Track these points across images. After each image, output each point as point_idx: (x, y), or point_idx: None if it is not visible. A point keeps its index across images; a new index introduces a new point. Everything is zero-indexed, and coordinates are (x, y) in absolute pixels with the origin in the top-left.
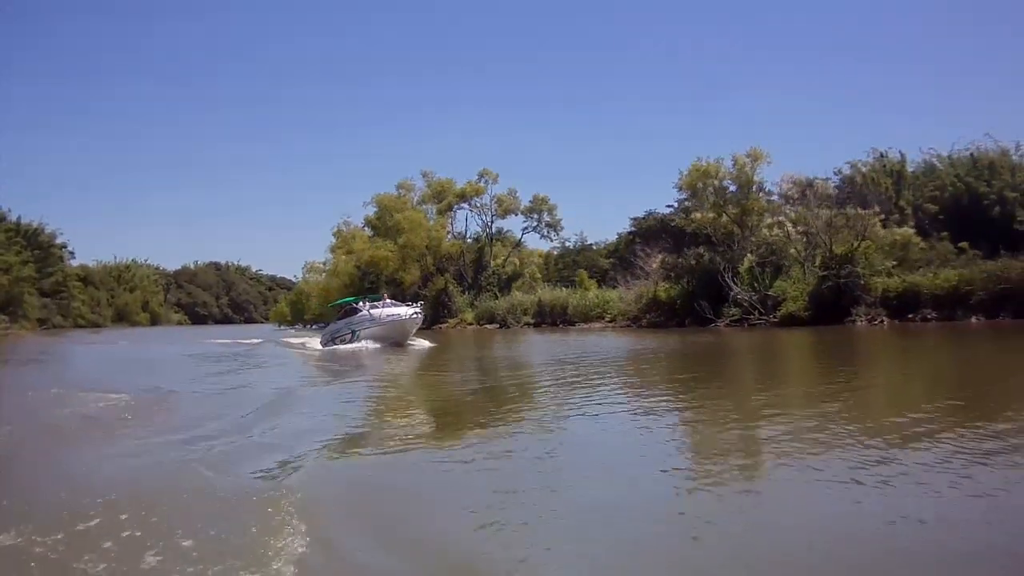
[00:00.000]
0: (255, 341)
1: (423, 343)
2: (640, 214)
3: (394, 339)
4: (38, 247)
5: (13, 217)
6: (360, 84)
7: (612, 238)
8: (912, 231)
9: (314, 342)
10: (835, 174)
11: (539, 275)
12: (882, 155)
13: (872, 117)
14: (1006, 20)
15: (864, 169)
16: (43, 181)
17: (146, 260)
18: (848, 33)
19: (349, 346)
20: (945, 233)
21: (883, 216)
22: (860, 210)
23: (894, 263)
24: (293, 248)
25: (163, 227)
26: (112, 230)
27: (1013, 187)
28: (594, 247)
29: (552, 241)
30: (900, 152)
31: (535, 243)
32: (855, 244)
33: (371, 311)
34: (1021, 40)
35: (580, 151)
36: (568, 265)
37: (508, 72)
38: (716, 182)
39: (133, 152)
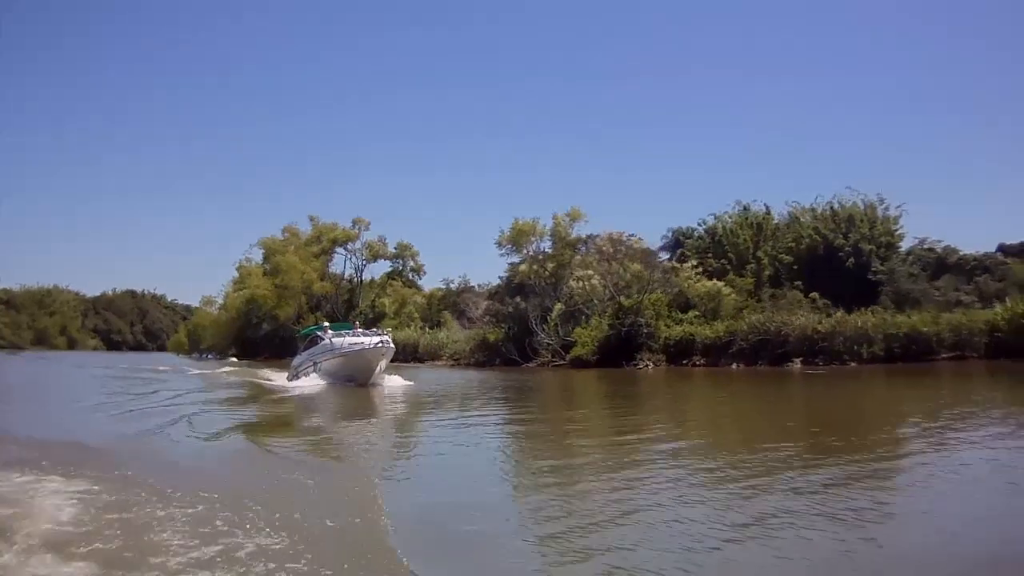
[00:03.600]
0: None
1: (398, 382)
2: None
3: (357, 374)
4: None
5: None
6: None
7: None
8: (721, 284)
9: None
10: (699, 224)
11: (417, 315)
12: (745, 207)
13: (754, 173)
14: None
15: (729, 221)
16: None
17: (67, 286)
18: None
19: (303, 382)
20: (798, 283)
21: (701, 268)
22: (676, 264)
23: (697, 314)
24: (215, 278)
25: (85, 253)
26: (38, 253)
27: (871, 239)
28: (476, 289)
29: (407, 285)
30: (765, 205)
31: (431, 284)
32: (640, 297)
33: (333, 340)
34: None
35: (470, 198)
36: (449, 306)
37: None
38: (535, 239)
39: (58, 174)
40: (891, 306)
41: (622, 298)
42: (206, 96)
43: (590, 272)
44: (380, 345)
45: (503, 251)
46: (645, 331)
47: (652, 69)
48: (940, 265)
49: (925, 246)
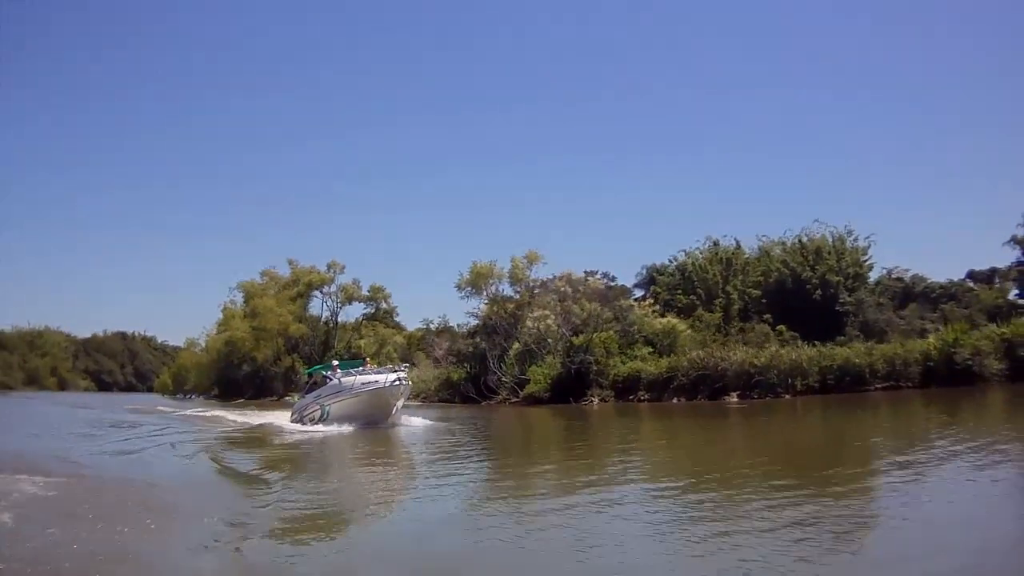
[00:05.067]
0: None
1: (417, 422)
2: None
3: (372, 415)
4: None
5: None
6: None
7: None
8: (676, 320)
9: None
10: (670, 261)
11: (395, 354)
12: (715, 243)
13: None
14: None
15: (699, 257)
16: None
17: (58, 327)
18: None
19: (315, 427)
20: (768, 316)
21: (657, 305)
22: (632, 302)
23: (651, 350)
24: (204, 319)
25: (75, 294)
26: (29, 294)
27: (838, 271)
28: (455, 329)
29: (388, 326)
30: (735, 239)
31: (412, 324)
32: (590, 335)
33: (343, 379)
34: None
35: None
36: (427, 347)
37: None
38: (495, 280)
39: (46, 215)
40: (858, 336)
41: (573, 337)
42: (193, 134)
43: (546, 312)
44: (397, 383)
45: (463, 293)
46: (595, 368)
47: (628, 95)
48: (907, 294)
49: (893, 275)
